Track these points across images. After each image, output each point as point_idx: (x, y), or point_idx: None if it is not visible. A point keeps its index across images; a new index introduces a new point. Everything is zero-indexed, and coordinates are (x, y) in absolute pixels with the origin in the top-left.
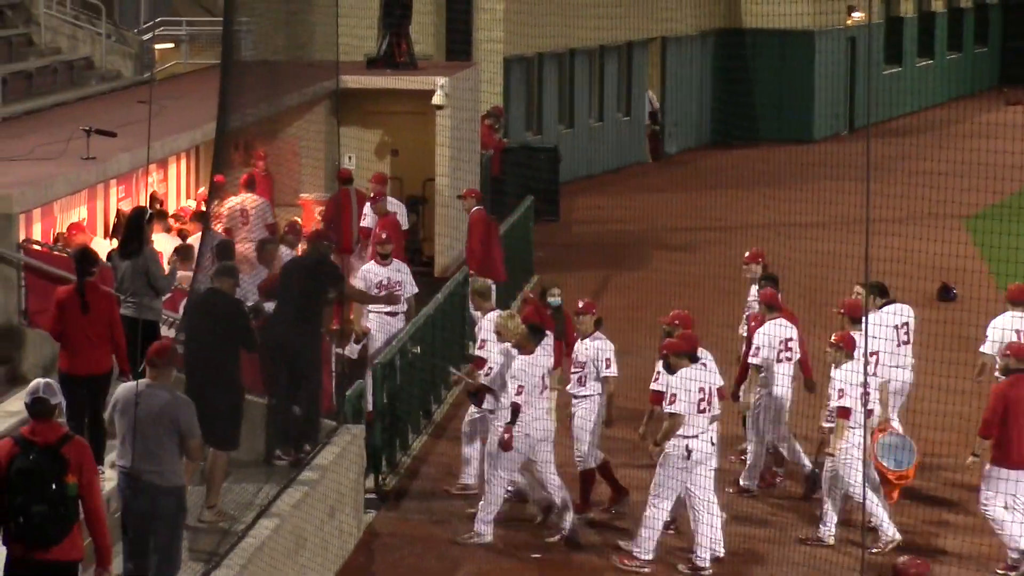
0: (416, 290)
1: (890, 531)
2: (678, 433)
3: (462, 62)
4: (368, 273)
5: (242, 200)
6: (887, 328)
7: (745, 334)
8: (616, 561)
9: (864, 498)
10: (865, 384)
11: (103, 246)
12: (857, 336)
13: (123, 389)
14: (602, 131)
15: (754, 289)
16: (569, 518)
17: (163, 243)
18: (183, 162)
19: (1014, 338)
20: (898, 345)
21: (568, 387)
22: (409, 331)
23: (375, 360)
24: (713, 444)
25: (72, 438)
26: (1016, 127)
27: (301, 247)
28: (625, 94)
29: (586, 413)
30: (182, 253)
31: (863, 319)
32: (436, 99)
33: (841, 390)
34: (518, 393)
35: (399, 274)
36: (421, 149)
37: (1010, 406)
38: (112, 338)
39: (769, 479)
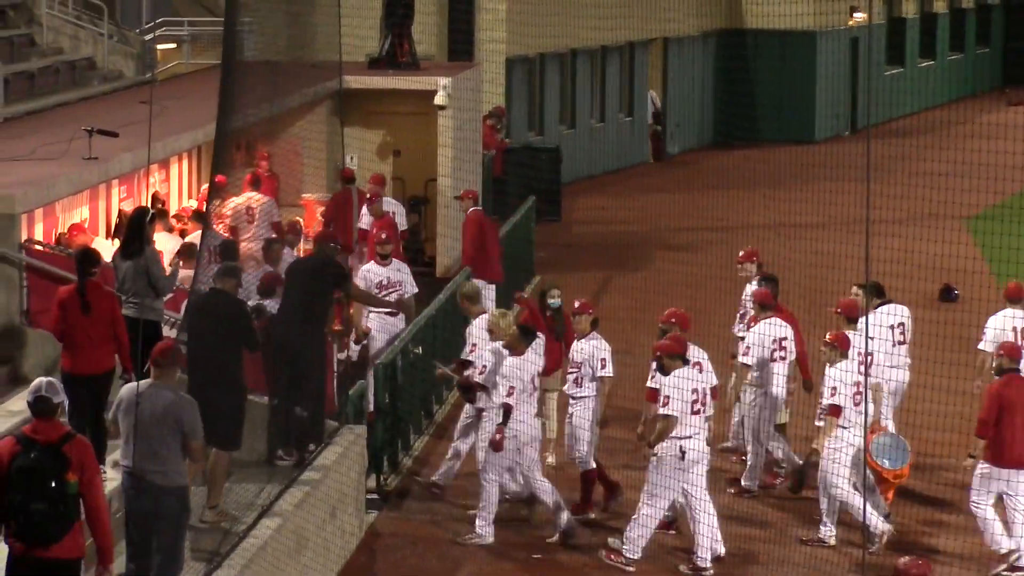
0: (416, 290)
1: (881, 525)
2: (672, 434)
3: (464, 62)
4: (368, 273)
5: (247, 199)
6: (883, 328)
7: (740, 333)
8: (603, 556)
9: (847, 496)
10: (865, 384)
11: (105, 246)
12: (852, 336)
13: (127, 389)
14: (604, 131)
15: (748, 288)
16: (564, 517)
17: (165, 242)
18: (185, 162)
19: (1011, 335)
20: (893, 345)
21: (565, 388)
22: (410, 331)
23: (377, 360)
24: (708, 444)
25: (74, 437)
26: (1018, 128)
27: (303, 247)
28: (627, 94)
29: (583, 413)
30: (185, 252)
31: (859, 319)
32: (438, 99)
33: (834, 388)
34: (509, 394)
35: (399, 274)
36: (423, 149)
37: (1004, 406)
38: (115, 337)
39: (769, 479)
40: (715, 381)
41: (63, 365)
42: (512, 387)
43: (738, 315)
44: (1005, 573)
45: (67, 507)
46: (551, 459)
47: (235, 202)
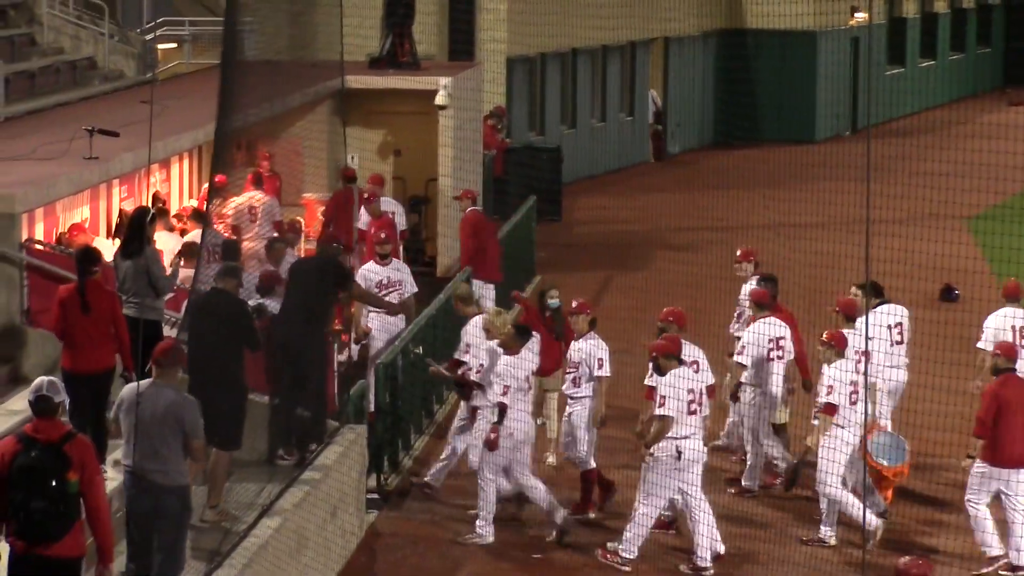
0: (416, 289)
1: (873, 521)
2: (668, 435)
3: (465, 62)
4: (368, 272)
5: (250, 198)
6: (881, 328)
7: (737, 333)
8: (599, 555)
9: (839, 494)
10: (865, 383)
11: (105, 246)
12: (850, 335)
13: (129, 389)
14: (604, 131)
15: (745, 288)
16: (559, 515)
17: (165, 241)
18: (185, 162)
19: (1009, 334)
20: (892, 345)
21: (563, 388)
22: (411, 331)
23: (377, 360)
24: (705, 444)
25: (75, 436)
26: (1019, 128)
27: (304, 246)
28: (627, 94)
29: (581, 413)
30: (187, 252)
31: (857, 318)
32: (439, 99)
33: (830, 387)
34: (504, 393)
35: (399, 273)
36: (424, 149)
37: (1002, 405)
38: (115, 336)
39: (770, 479)
40: (712, 380)
41: (63, 363)
42: (507, 386)
43: (735, 315)
44: (1005, 573)
45: (68, 506)
46: (551, 459)
47: (237, 201)
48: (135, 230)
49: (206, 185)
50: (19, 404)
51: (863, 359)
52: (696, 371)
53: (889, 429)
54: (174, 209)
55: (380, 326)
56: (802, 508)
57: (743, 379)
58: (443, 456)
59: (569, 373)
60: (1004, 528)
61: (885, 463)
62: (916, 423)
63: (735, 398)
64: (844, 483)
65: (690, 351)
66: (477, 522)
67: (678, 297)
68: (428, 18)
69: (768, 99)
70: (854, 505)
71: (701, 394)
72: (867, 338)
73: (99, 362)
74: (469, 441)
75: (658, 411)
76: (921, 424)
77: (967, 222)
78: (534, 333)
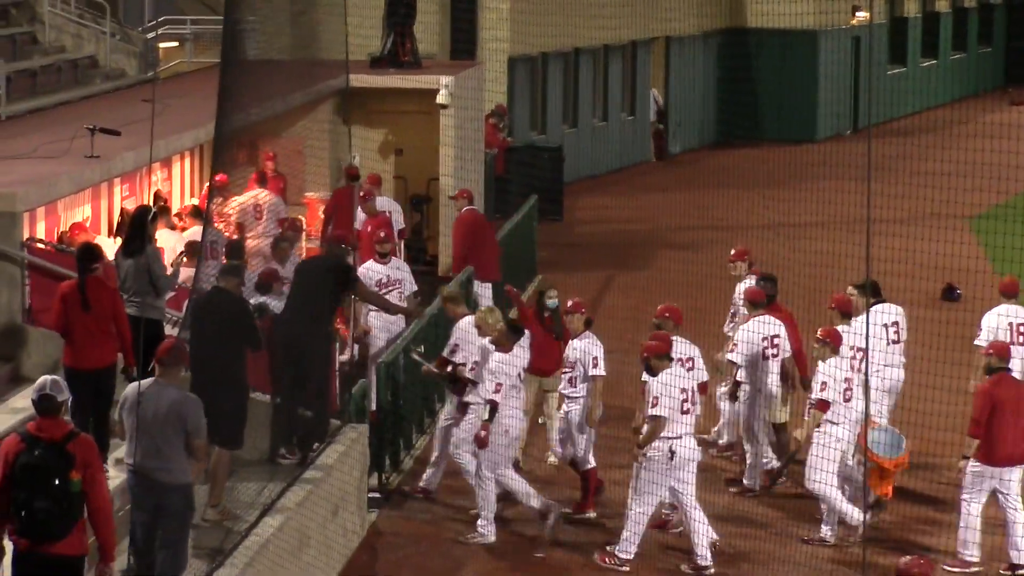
0: (416, 288)
1: (856, 515)
2: (662, 435)
3: (466, 61)
4: (368, 271)
5: (254, 196)
6: (877, 327)
7: (730, 333)
8: (596, 558)
9: (825, 490)
10: (865, 381)
11: (107, 245)
12: (845, 332)
13: (132, 389)
14: (606, 130)
15: (740, 287)
16: (552, 515)
17: (167, 240)
18: (187, 161)
19: (1006, 331)
20: (888, 344)
21: (560, 388)
22: (412, 330)
23: (378, 359)
24: (697, 444)
25: (78, 435)
26: (1020, 127)
27: (305, 245)
28: (629, 94)
29: (578, 412)
30: (190, 251)
31: (852, 314)
32: (440, 98)
33: (824, 383)
34: (496, 391)
35: (399, 272)
36: (425, 148)
37: (995, 404)
38: (117, 332)
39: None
40: (705, 377)
41: (65, 360)
42: (499, 383)
43: (729, 314)
44: (1006, 573)
45: (70, 505)
46: (552, 459)
47: (240, 199)
48: (136, 229)
49: (207, 184)
50: (20, 402)
51: (858, 356)
52: (690, 369)
53: (883, 424)
54: (175, 208)
55: (381, 325)
56: (803, 507)
57: (739, 378)
58: (432, 460)
59: (565, 373)
60: (1005, 528)
61: (886, 457)
62: (916, 422)
63: (733, 397)
64: (834, 479)
65: (685, 349)
66: (479, 521)
67: (679, 296)
68: (429, 17)
69: (769, 98)
70: (841, 501)
71: (694, 392)
72: (867, 338)
73: (100, 359)
74: (458, 435)
75: (651, 411)
76: (921, 423)
77: (969, 222)
78: (525, 331)
